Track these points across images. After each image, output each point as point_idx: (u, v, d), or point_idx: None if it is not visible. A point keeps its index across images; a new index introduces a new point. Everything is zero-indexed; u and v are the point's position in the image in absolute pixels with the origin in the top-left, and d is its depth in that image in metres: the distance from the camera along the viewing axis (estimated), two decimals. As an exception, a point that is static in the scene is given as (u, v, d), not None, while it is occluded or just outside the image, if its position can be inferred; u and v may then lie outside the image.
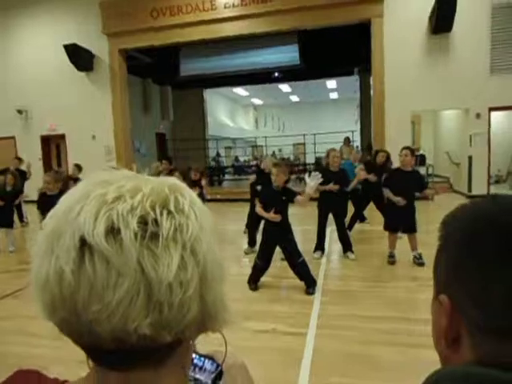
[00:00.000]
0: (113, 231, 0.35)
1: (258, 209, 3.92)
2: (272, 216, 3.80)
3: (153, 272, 0.35)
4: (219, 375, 0.52)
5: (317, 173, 3.88)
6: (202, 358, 0.54)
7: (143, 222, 0.36)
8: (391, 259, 4.73)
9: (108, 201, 0.37)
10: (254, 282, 4.02)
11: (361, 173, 5.44)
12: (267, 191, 4.02)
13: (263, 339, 2.97)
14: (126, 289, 0.35)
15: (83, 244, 0.35)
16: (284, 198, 3.88)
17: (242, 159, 19.90)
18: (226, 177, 17.31)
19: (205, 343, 0.52)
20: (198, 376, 0.51)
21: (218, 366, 0.53)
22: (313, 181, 3.80)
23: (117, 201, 0.37)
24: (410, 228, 4.60)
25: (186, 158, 14.04)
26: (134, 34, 10.66)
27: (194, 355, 0.51)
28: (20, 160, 8.67)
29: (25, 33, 11.69)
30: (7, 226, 6.26)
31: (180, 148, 14.89)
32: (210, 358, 0.54)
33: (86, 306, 0.35)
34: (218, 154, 17.76)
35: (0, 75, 11.98)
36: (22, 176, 7.68)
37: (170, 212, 0.38)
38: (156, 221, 0.37)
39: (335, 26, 9.71)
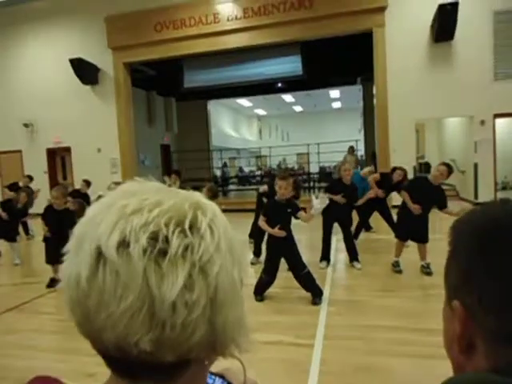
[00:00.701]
0: (124, 244, 0.36)
1: (262, 222, 3.90)
2: (277, 232, 3.78)
3: (157, 289, 0.35)
4: None
5: (326, 196, 3.86)
6: (213, 377, 0.52)
7: (154, 238, 0.36)
8: (397, 268, 4.67)
9: (127, 213, 0.37)
10: (259, 293, 3.99)
11: (373, 185, 5.40)
12: (272, 204, 4.01)
13: (270, 351, 2.92)
14: (130, 302, 0.35)
15: (99, 253, 0.36)
16: (289, 210, 3.88)
17: (246, 170, 19.94)
18: (231, 187, 17.34)
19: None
20: None
21: None
22: (319, 204, 3.79)
23: (135, 214, 0.37)
24: (422, 238, 4.52)
25: (190, 169, 14.11)
26: (138, 48, 10.81)
27: None
28: (31, 179, 8.75)
29: (31, 47, 11.90)
30: (11, 240, 6.30)
31: (184, 159, 14.96)
32: (221, 376, 0.53)
33: (96, 313, 0.36)
34: (225, 165, 17.81)
35: (7, 89, 12.18)
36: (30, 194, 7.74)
37: (183, 230, 0.37)
38: (167, 238, 0.36)
39: (337, 37, 9.80)
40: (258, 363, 2.69)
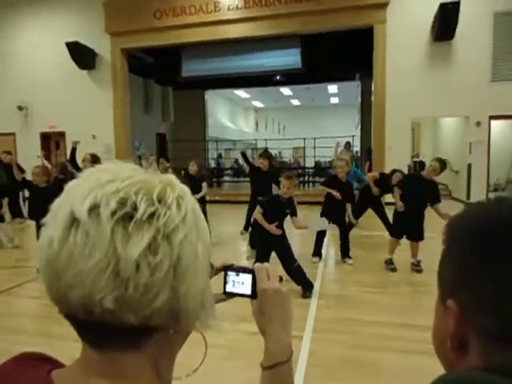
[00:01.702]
0: (95, 207, 0.39)
1: (258, 215, 3.90)
2: (274, 230, 3.80)
3: (122, 249, 0.38)
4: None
5: (324, 220, 3.86)
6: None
7: (123, 203, 0.39)
8: (390, 266, 4.69)
9: (101, 182, 0.41)
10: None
11: (372, 185, 5.42)
12: (273, 199, 4.01)
13: (259, 341, 2.94)
14: (97, 260, 0.38)
15: (73, 218, 0.39)
16: (287, 211, 3.91)
17: (241, 161, 19.88)
18: (226, 179, 17.30)
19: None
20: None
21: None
22: (319, 226, 3.81)
23: (108, 183, 0.41)
24: (417, 236, 4.53)
25: (185, 158, 14.01)
26: (136, 34, 10.67)
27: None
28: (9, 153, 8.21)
29: (27, 30, 11.69)
30: None
31: (180, 149, 14.88)
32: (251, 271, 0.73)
33: (65, 271, 0.39)
34: (220, 156, 17.73)
35: (1, 71, 11.98)
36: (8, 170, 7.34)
37: (150, 199, 0.40)
38: (135, 204, 0.40)
39: (338, 31, 9.75)
40: (247, 353, 2.72)
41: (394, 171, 6.03)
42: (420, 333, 2.75)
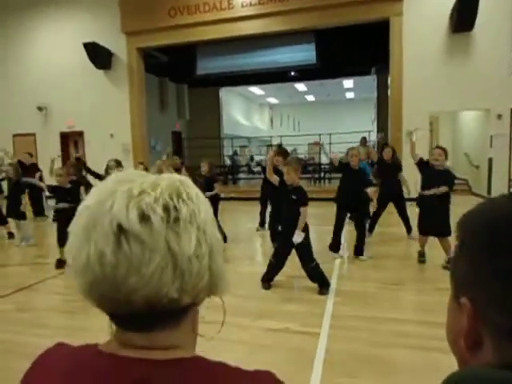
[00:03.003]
0: (144, 217, 0.44)
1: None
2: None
3: (177, 247, 0.45)
4: None
5: (302, 234, 3.82)
6: None
7: (167, 209, 0.45)
8: (421, 258, 4.67)
9: (134, 195, 0.45)
10: (267, 280, 4.02)
11: (373, 196, 5.38)
12: (283, 187, 3.96)
13: (276, 338, 2.96)
14: (157, 262, 0.44)
15: (120, 229, 0.44)
16: (294, 197, 3.82)
17: (257, 158, 19.87)
18: (241, 175, 17.33)
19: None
20: None
21: None
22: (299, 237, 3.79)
23: (142, 194, 0.45)
24: (442, 232, 4.36)
25: (201, 156, 14.10)
26: (151, 33, 10.77)
27: None
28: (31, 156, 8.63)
29: (45, 32, 11.93)
30: (17, 217, 6.17)
31: (195, 146, 14.98)
32: None
33: (126, 279, 0.44)
34: (235, 153, 17.78)
35: (21, 73, 12.27)
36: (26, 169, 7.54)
37: (183, 200, 0.47)
38: (176, 207, 0.46)
39: (352, 25, 9.63)
40: (264, 349, 2.74)
41: (382, 148, 6.07)
42: (438, 330, 2.70)
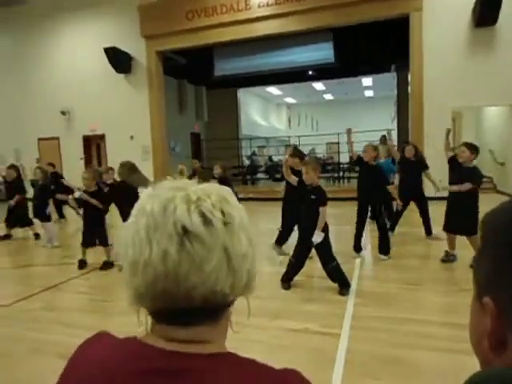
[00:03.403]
0: (206, 220, 0.49)
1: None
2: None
3: (232, 248, 0.50)
4: None
5: (322, 234, 3.77)
6: None
7: (223, 213, 0.51)
8: (450, 258, 4.57)
9: (193, 200, 0.51)
10: (287, 280, 4.01)
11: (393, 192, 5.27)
12: (302, 188, 3.94)
13: (295, 338, 2.96)
14: (215, 261, 0.49)
15: (184, 230, 0.49)
16: (313, 196, 3.79)
17: (275, 158, 19.85)
18: (259, 176, 17.33)
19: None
20: None
21: None
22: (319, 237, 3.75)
23: (199, 200, 0.51)
24: (470, 230, 4.23)
25: (219, 157, 14.20)
26: (170, 36, 10.92)
27: None
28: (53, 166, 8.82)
29: (67, 38, 12.26)
30: (42, 219, 6.34)
31: (214, 147, 15.09)
32: None
33: (187, 276, 0.48)
34: (253, 154, 17.81)
35: (45, 78, 12.64)
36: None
37: (231, 206, 0.53)
38: (229, 213, 0.52)
39: (371, 22, 9.50)
40: (283, 349, 2.74)
41: (404, 147, 5.93)
42: (463, 332, 2.63)
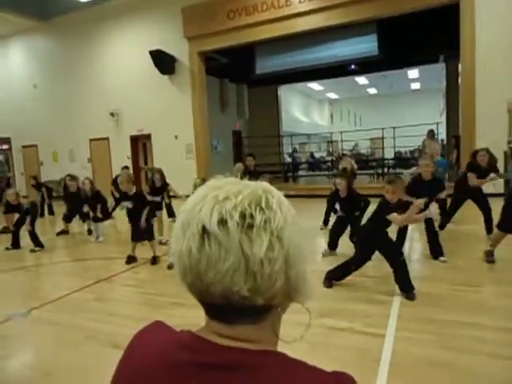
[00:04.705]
0: (222, 221, 0.49)
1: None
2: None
3: (249, 250, 0.49)
4: None
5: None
6: None
7: (243, 215, 0.50)
8: (489, 258, 4.31)
9: (219, 200, 0.51)
10: (330, 279, 3.95)
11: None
12: (385, 204, 3.77)
13: (339, 337, 2.92)
14: (231, 261, 0.49)
15: (204, 230, 0.50)
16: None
17: (317, 155, 19.62)
18: (301, 173, 17.21)
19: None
20: None
21: None
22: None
23: (225, 200, 0.51)
24: None
25: (261, 154, 14.28)
26: (212, 36, 11.10)
27: None
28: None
29: (114, 42, 12.84)
30: (95, 220, 7.03)
31: (255, 145, 15.18)
32: None
33: (205, 273, 0.50)
34: (295, 150, 17.70)
35: (95, 81, 13.33)
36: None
37: (261, 208, 0.51)
38: (251, 215, 0.50)
39: (417, 12, 9.09)
40: (327, 348, 2.71)
41: (475, 153, 5.41)
42: (521, 337, 2.48)
